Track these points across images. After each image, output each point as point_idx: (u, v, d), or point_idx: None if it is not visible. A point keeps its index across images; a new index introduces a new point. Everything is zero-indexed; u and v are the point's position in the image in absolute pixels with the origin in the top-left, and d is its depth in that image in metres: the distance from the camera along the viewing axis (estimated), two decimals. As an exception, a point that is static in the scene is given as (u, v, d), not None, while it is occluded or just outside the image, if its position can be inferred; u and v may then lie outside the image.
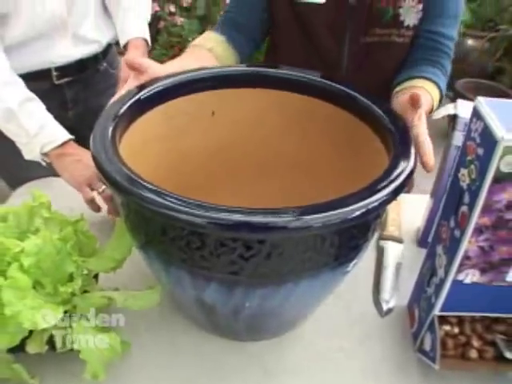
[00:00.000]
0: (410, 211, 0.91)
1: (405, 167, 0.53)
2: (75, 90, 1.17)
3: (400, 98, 0.78)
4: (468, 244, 0.54)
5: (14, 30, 1.00)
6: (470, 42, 3.21)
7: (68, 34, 1.08)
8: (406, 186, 0.51)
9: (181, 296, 0.63)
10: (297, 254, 0.50)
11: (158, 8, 2.69)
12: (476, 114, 0.53)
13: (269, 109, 0.76)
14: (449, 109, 0.74)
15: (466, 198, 0.54)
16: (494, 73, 3.23)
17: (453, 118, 0.75)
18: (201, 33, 2.62)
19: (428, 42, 0.93)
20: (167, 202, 0.45)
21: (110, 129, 0.57)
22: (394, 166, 0.53)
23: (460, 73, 3.09)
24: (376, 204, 0.48)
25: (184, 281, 0.55)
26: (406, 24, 0.91)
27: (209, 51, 0.88)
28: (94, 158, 0.52)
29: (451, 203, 0.58)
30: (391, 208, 0.87)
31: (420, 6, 0.90)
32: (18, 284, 0.55)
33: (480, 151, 0.52)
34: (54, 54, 1.08)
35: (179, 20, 2.66)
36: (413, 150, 0.57)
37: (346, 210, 0.46)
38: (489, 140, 0.49)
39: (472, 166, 0.53)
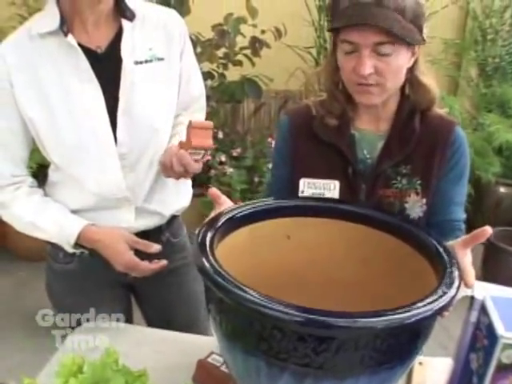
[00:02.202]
0: (435, 373, 1.00)
1: (450, 291, 0.67)
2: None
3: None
4: (478, 419, 0.65)
5: (79, 196, 1.12)
6: (502, 189, 3.34)
7: (131, 208, 1.15)
8: (450, 305, 0.65)
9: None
10: (360, 351, 0.62)
11: (209, 157, 2.78)
12: (483, 310, 0.67)
13: (334, 236, 0.89)
14: (467, 290, 0.87)
15: (475, 380, 0.66)
16: (526, 219, 3.30)
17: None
18: (248, 183, 2.87)
19: (441, 230, 1.01)
20: (262, 301, 0.60)
21: (209, 239, 0.73)
22: (443, 290, 0.67)
23: (493, 220, 3.19)
24: (428, 314, 0.62)
25: (261, 371, 0.66)
26: (411, 217, 1.02)
27: None
28: (200, 270, 0.67)
29: (464, 381, 0.70)
30: (416, 371, 0.98)
31: (424, 200, 1.01)
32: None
33: (486, 342, 0.64)
34: (119, 225, 1.14)
35: (228, 170, 2.85)
36: (459, 280, 0.71)
37: (404, 316, 0.60)
38: (492, 334, 0.62)
39: (480, 353, 0.65)
